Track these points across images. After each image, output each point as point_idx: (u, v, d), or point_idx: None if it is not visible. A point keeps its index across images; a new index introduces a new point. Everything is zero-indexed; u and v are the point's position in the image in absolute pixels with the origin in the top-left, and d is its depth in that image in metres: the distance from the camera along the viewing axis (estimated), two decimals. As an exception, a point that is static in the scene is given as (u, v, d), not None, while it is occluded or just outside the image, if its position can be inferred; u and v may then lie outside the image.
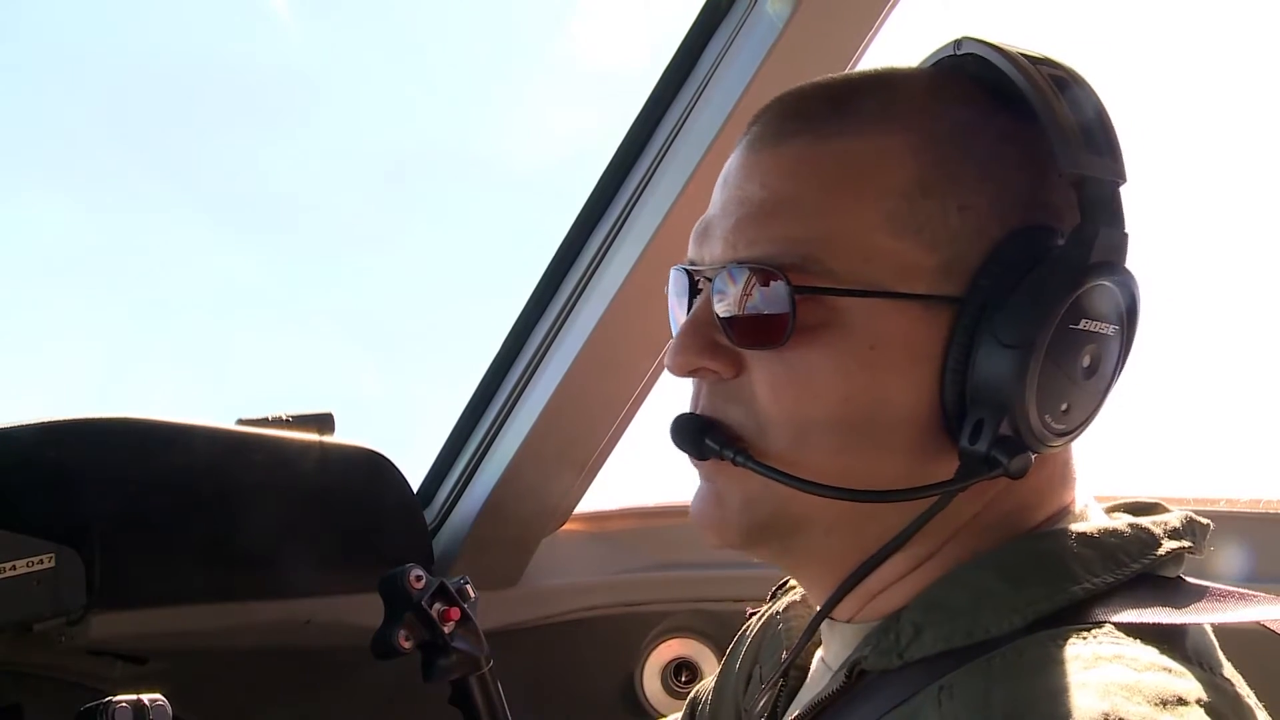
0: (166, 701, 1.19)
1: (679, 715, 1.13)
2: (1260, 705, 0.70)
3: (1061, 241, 0.71)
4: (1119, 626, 0.66)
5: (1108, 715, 0.58)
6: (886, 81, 0.77)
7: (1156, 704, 0.60)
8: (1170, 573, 0.74)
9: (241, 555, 1.59)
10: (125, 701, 1.16)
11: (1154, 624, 0.67)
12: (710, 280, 0.74)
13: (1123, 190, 0.72)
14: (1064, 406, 0.70)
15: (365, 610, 1.37)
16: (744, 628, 1.03)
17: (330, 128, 2.19)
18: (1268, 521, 1.90)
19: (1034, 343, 0.68)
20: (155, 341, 2.23)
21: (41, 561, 1.40)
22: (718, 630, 1.95)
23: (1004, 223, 0.71)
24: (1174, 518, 0.76)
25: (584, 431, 1.75)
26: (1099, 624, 0.66)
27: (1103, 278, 0.70)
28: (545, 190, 2.21)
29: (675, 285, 0.80)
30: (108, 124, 2.07)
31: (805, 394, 0.72)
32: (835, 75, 0.79)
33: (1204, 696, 0.63)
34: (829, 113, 0.74)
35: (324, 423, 1.69)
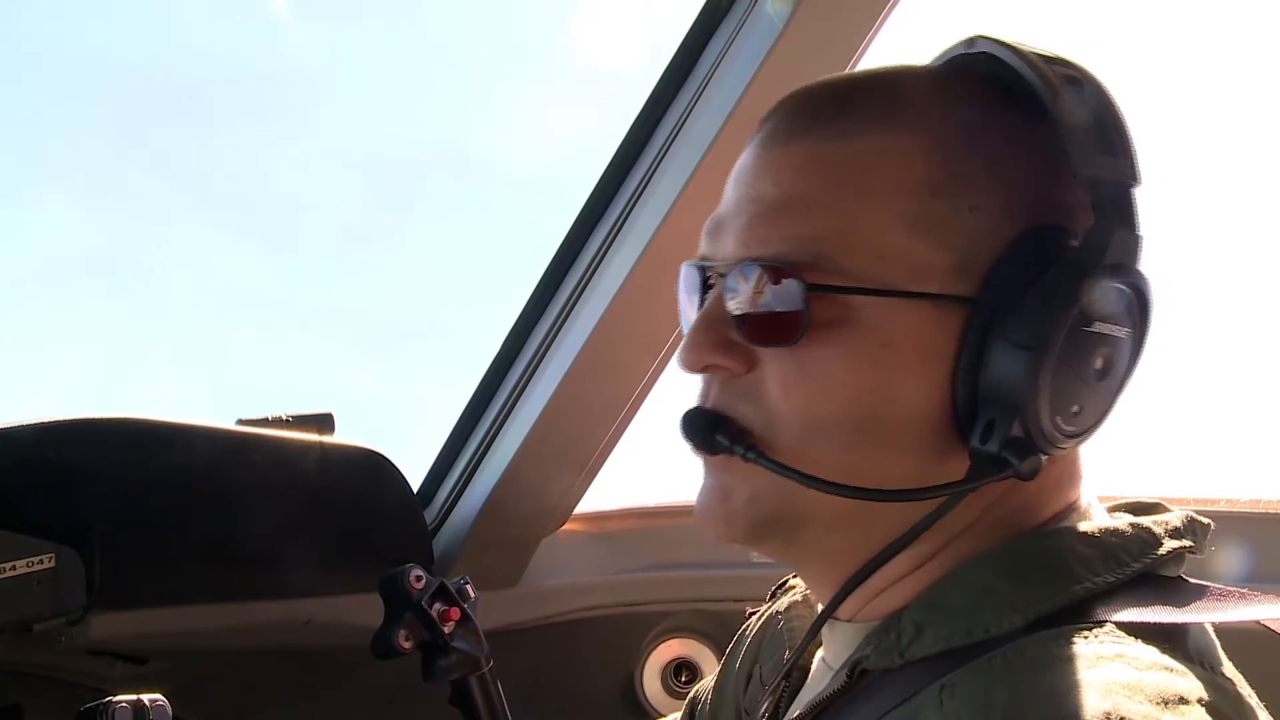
0: (166, 701, 1.19)
1: (679, 715, 1.12)
2: (1261, 705, 0.70)
3: (1075, 242, 0.71)
4: (1120, 626, 0.66)
5: (1109, 714, 0.58)
6: (899, 80, 0.77)
7: (1158, 703, 0.60)
8: (1171, 572, 0.73)
9: (241, 555, 1.59)
10: (125, 701, 1.16)
11: (1155, 623, 0.67)
12: (723, 276, 0.74)
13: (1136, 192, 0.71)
14: (1075, 408, 0.70)
15: (365, 610, 1.37)
16: (744, 627, 1.03)
17: (330, 128, 2.19)
18: (1268, 521, 1.90)
19: (1047, 344, 0.68)
20: (155, 341, 2.24)
21: (41, 561, 1.40)
22: (718, 630, 1.95)
23: (1016, 222, 0.71)
24: (1175, 517, 0.76)
25: (584, 431, 1.75)
26: (1100, 623, 0.66)
27: (1117, 280, 0.69)
28: (545, 190, 2.21)
29: (686, 281, 0.80)
30: (108, 124, 2.07)
31: (816, 391, 0.72)
32: (848, 73, 0.79)
33: (1205, 696, 0.63)
34: (843, 111, 0.74)
35: (324, 423, 1.69)
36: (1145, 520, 0.75)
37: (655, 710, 1.94)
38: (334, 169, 2.18)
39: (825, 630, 0.82)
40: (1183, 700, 0.61)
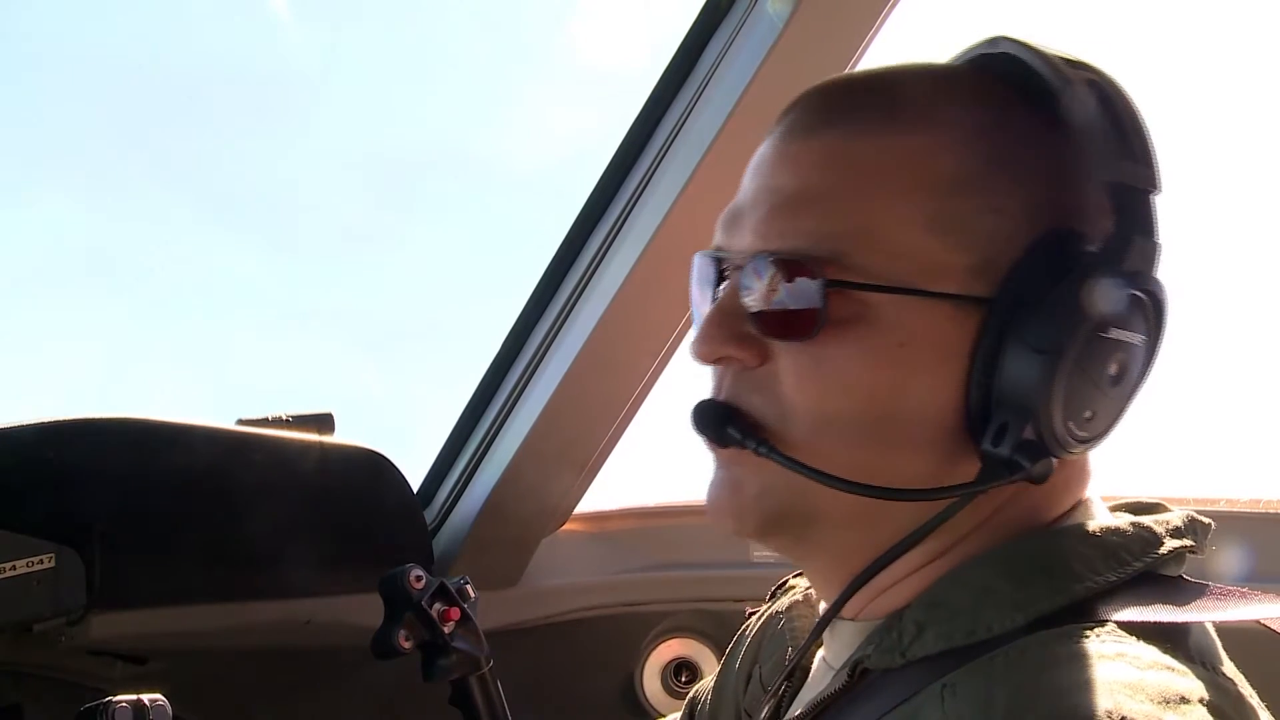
0: (166, 701, 1.19)
1: (679, 715, 1.12)
2: (1262, 704, 0.70)
3: (1093, 248, 0.70)
4: (1121, 625, 0.66)
5: (1110, 714, 0.58)
6: (922, 78, 0.76)
7: (1159, 702, 0.60)
8: (1172, 572, 0.73)
9: (241, 555, 1.59)
10: (125, 701, 1.16)
11: (1156, 622, 0.67)
12: (739, 269, 0.74)
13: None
14: (1089, 414, 0.70)
15: (365, 610, 1.37)
16: (744, 627, 1.03)
17: (330, 128, 2.19)
18: (1268, 521, 1.90)
19: (1063, 349, 0.68)
20: (155, 341, 2.24)
21: (41, 561, 1.40)
22: (718, 630, 1.95)
23: (1035, 225, 0.71)
24: (1176, 517, 0.76)
25: (584, 431, 1.75)
26: (1101, 622, 0.66)
27: (1134, 287, 0.69)
28: (545, 190, 2.21)
29: (700, 271, 0.79)
30: (108, 124, 2.07)
31: (831, 387, 0.71)
32: (870, 69, 0.79)
33: (1206, 695, 0.63)
34: (864, 107, 0.74)
35: (324, 423, 1.69)
36: (1146, 520, 0.75)
37: (655, 710, 1.93)
38: (334, 169, 2.18)
39: (826, 629, 0.82)
40: (1184, 699, 0.61)
